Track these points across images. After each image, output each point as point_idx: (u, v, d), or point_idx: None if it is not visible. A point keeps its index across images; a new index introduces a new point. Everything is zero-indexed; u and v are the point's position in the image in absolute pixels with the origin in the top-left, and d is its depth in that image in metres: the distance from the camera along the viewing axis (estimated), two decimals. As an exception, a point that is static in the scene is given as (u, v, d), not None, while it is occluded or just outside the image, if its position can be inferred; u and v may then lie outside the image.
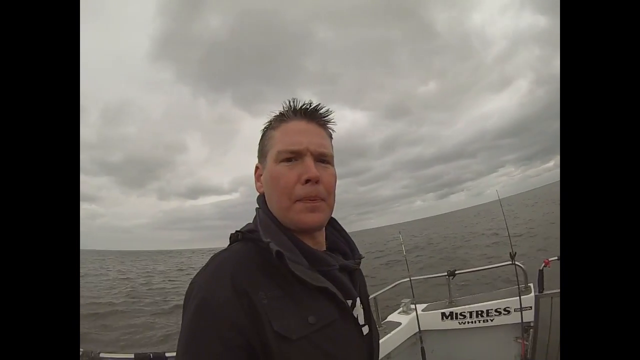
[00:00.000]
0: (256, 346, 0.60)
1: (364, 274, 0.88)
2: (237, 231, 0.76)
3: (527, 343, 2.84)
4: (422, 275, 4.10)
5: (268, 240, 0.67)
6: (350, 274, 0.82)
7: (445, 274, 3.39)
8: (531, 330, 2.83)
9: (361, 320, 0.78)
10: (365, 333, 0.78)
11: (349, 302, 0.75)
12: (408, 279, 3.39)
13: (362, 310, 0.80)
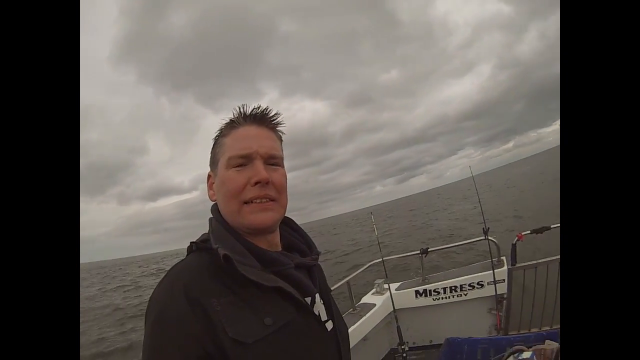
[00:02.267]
0: (214, 354, 0.60)
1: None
2: (191, 242, 0.76)
3: (501, 314, 2.91)
4: (394, 255, 4.08)
5: (217, 245, 0.67)
6: (309, 270, 0.83)
7: (419, 252, 3.39)
8: (504, 301, 2.89)
9: (323, 316, 0.78)
10: (330, 328, 0.78)
11: (308, 299, 0.75)
12: (381, 259, 3.39)
13: (323, 306, 0.80)
